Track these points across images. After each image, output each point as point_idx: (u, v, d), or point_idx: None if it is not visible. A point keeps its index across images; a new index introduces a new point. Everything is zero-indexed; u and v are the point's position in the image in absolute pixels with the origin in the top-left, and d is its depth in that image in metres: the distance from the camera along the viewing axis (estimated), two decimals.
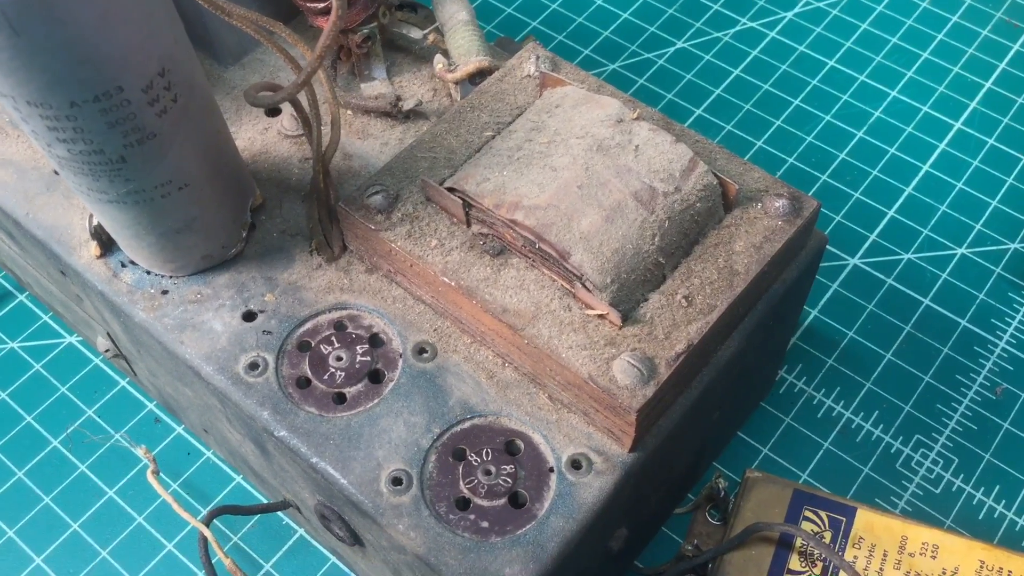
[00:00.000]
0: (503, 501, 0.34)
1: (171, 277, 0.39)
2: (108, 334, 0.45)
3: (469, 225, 0.37)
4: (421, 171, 0.38)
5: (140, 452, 0.41)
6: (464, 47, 0.43)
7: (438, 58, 0.43)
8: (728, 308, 0.35)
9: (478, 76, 0.42)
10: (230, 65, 0.45)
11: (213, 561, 0.41)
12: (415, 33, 0.44)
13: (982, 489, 0.47)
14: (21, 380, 0.51)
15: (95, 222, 0.39)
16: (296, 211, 0.41)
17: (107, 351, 0.46)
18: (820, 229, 0.55)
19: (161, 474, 0.47)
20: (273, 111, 0.44)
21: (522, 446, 0.35)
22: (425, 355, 0.37)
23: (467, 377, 0.36)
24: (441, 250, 0.36)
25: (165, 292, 0.39)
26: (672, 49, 0.64)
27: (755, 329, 0.38)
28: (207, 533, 0.38)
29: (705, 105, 0.61)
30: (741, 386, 0.43)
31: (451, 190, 0.37)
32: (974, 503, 0.47)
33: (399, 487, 0.34)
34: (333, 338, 0.37)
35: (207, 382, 0.37)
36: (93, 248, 0.39)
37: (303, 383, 0.37)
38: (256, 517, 0.46)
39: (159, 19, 0.28)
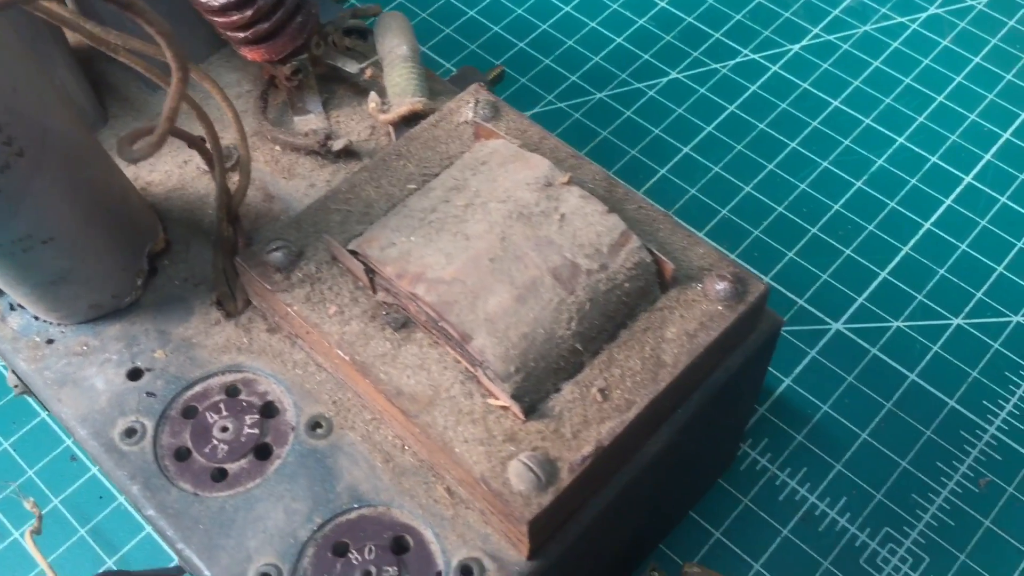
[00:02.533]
0: None
1: (59, 325, 0.36)
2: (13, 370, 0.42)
3: (375, 291, 0.34)
4: (332, 226, 0.35)
5: (28, 505, 0.38)
6: (400, 85, 0.39)
7: (372, 96, 0.39)
8: (649, 405, 0.31)
9: (413, 119, 0.39)
10: (158, 89, 0.42)
11: None
12: (351, 67, 0.40)
13: None
14: None
15: None
16: (204, 257, 0.38)
17: (16, 387, 0.43)
18: (792, 293, 0.51)
19: (69, 517, 0.45)
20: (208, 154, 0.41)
21: (411, 543, 0.32)
22: (319, 431, 0.34)
23: (361, 459, 0.33)
24: (340, 318, 0.33)
25: (51, 341, 0.36)
26: (665, 80, 0.60)
27: (690, 422, 0.34)
28: None
29: (694, 143, 0.57)
30: (683, 475, 0.39)
31: (354, 253, 0.33)
32: None
33: None
34: (222, 405, 0.34)
35: (83, 445, 0.34)
36: None
37: (183, 455, 0.34)
38: None
39: None
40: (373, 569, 0.31)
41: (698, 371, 0.33)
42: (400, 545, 0.32)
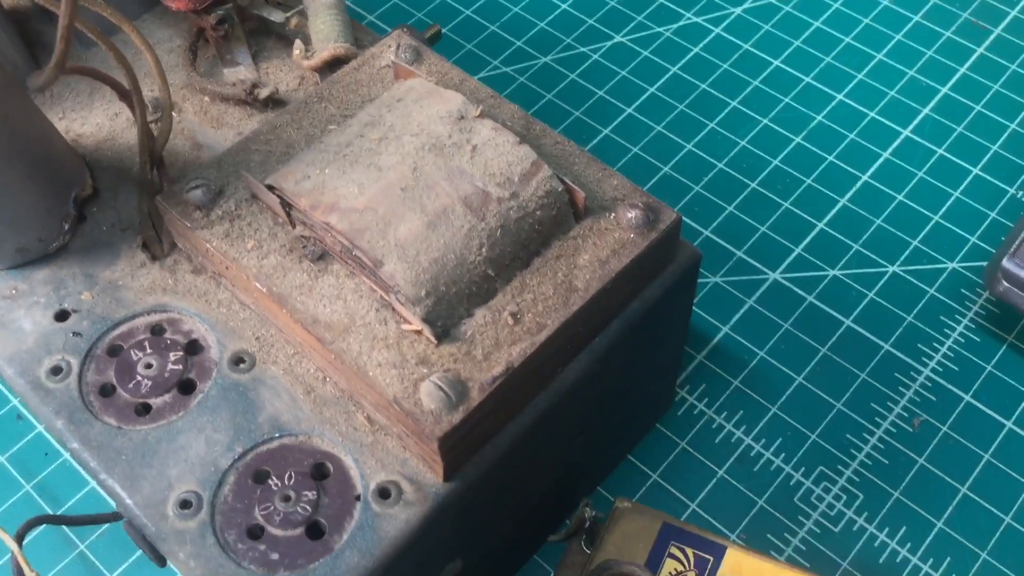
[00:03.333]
0: (299, 531, 0.31)
1: None
2: None
3: (293, 226, 0.34)
4: (253, 165, 0.36)
5: None
6: (324, 32, 0.40)
7: (297, 43, 0.40)
8: (561, 328, 0.32)
9: (336, 64, 0.39)
10: (92, 45, 0.43)
11: None
12: (277, 16, 0.41)
13: (886, 530, 0.43)
14: None
15: None
16: (132, 204, 0.38)
17: None
18: (731, 245, 0.52)
19: (14, 473, 0.45)
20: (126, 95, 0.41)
21: (331, 469, 0.32)
22: (242, 365, 0.34)
23: (283, 391, 0.34)
24: (258, 252, 0.34)
25: None
26: (609, 44, 0.61)
27: (609, 351, 0.35)
28: (14, 546, 0.36)
29: (637, 104, 0.58)
30: (612, 410, 0.39)
31: (271, 187, 0.34)
32: (876, 544, 0.43)
33: (187, 511, 0.31)
34: (146, 343, 0.35)
35: (11, 385, 0.35)
36: None
37: (107, 391, 0.34)
38: (107, 524, 0.43)
39: None
40: (292, 494, 0.32)
41: (612, 298, 0.34)
42: (320, 471, 0.32)
